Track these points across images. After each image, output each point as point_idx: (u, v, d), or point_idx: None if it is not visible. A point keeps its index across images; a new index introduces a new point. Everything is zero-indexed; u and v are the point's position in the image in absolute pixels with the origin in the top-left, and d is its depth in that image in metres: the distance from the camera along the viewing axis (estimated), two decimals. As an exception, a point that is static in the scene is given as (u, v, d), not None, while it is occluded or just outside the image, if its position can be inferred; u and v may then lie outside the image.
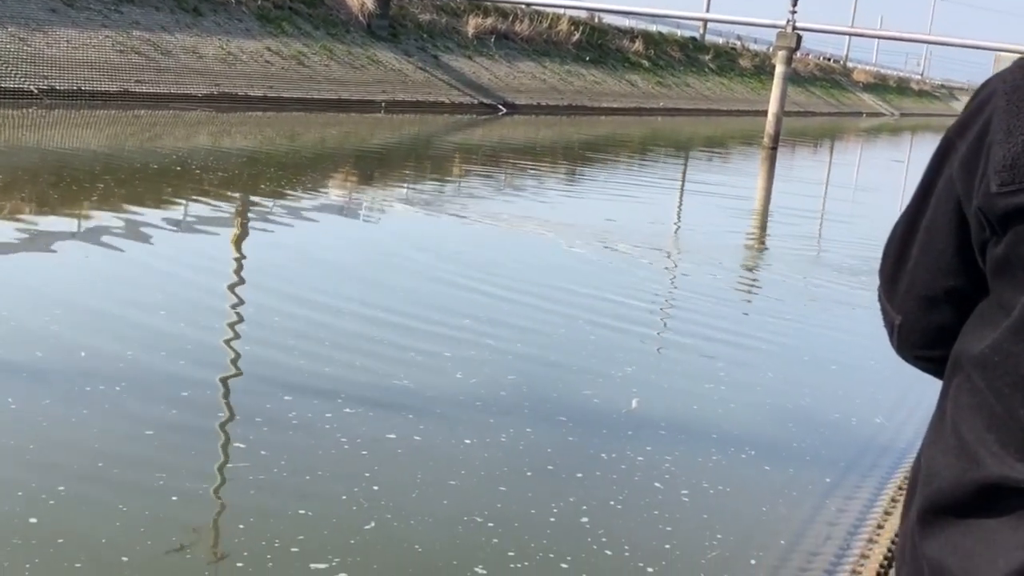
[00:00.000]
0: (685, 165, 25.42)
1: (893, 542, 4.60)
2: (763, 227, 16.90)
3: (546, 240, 12.24)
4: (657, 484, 5.27)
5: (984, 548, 1.23)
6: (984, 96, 1.34)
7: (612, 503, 4.97)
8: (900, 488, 5.44)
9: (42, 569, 3.82)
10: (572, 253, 11.61)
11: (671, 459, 5.61)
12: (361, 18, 30.46)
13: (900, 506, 5.19)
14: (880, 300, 1.59)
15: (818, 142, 38.56)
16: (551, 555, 4.36)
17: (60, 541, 4.03)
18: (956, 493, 1.27)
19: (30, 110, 18.98)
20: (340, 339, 7.21)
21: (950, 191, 1.36)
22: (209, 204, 12.43)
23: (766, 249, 14.67)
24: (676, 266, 11.99)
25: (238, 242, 10.67)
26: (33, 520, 4.17)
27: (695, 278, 11.12)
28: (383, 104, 27.79)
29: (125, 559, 3.95)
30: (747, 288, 11.56)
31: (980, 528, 1.24)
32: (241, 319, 7.59)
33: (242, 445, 5.14)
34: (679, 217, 16.59)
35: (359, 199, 14.71)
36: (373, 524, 4.44)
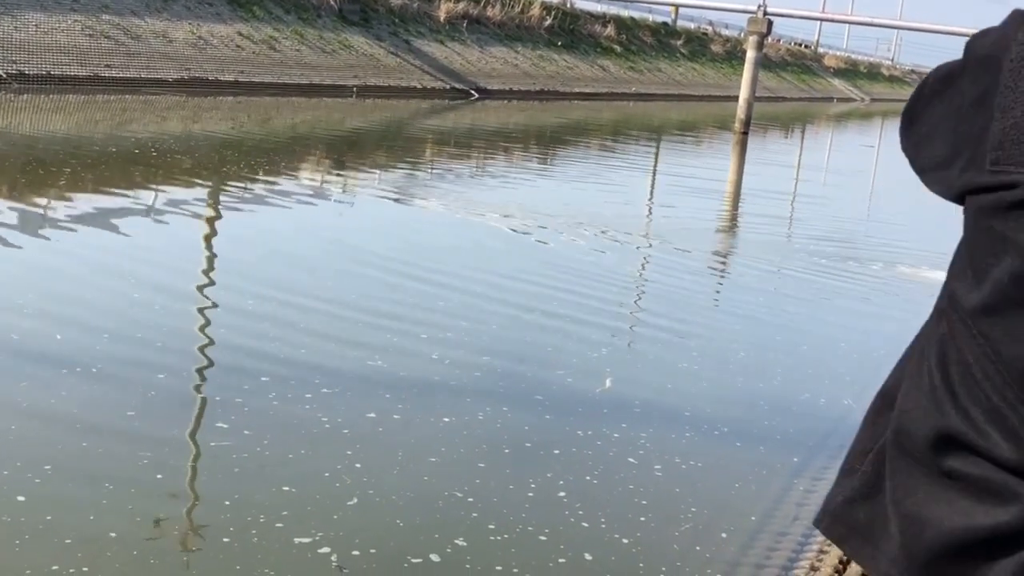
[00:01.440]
0: (657, 150, 25.55)
1: None
2: (735, 211, 17.07)
3: (518, 225, 12.34)
4: (631, 460, 5.40)
5: (934, 503, 1.24)
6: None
7: (588, 478, 5.09)
8: None
9: (32, 545, 3.90)
10: (544, 237, 11.71)
11: (645, 436, 5.74)
12: (332, 3, 30.36)
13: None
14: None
15: (790, 129, 38.83)
16: (529, 528, 4.47)
17: (48, 518, 4.11)
18: (921, 438, 1.28)
19: (-1, 95, 18.86)
20: (314, 322, 7.28)
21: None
22: (181, 189, 12.44)
23: (737, 232, 14.83)
24: (648, 250, 12.12)
25: (210, 227, 10.70)
26: (21, 498, 4.24)
27: (667, 261, 11.26)
28: (355, 89, 27.75)
29: (113, 535, 4.03)
30: (719, 271, 11.71)
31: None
32: (215, 304, 7.65)
33: (224, 425, 5.22)
34: (651, 202, 16.73)
35: (331, 185, 14.74)
36: (356, 500, 4.54)
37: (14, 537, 3.94)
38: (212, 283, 8.24)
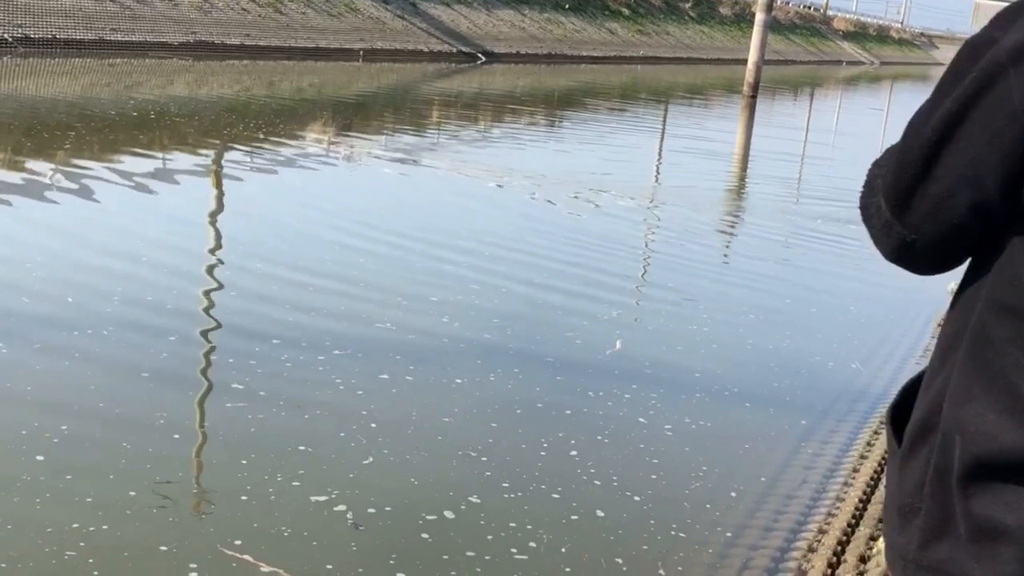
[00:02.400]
0: (665, 113, 25.48)
1: (869, 485, 4.76)
2: (743, 174, 17.05)
3: (527, 189, 12.34)
4: (642, 420, 5.45)
5: None
6: None
7: (599, 438, 5.14)
8: (875, 433, 5.56)
9: (53, 503, 3.96)
10: (552, 201, 11.72)
11: (655, 396, 5.79)
12: (338, -35, 30.18)
13: (885, 454, 5.33)
14: (878, 214, 1.48)
15: (799, 93, 38.63)
16: (542, 486, 4.53)
17: (68, 477, 4.17)
18: (1012, 455, 1.24)
19: (4, 59, 18.84)
20: (323, 285, 7.32)
21: (1012, 119, 1.23)
22: (187, 154, 12.46)
23: (746, 195, 14.82)
24: (656, 213, 12.12)
25: (217, 191, 10.73)
26: (40, 457, 4.30)
27: (675, 224, 11.26)
28: (361, 53, 27.65)
29: (133, 493, 4.09)
30: (727, 234, 11.72)
31: None
32: (223, 266, 7.69)
33: (239, 386, 5.27)
34: (659, 165, 16.70)
35: (338, 149, 14.74)
36: (371, 459, 4.60)
37: (34, 496, 4.00)
38: (220, 247, 8.28)
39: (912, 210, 1.38)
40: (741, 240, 11.40)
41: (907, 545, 1.34)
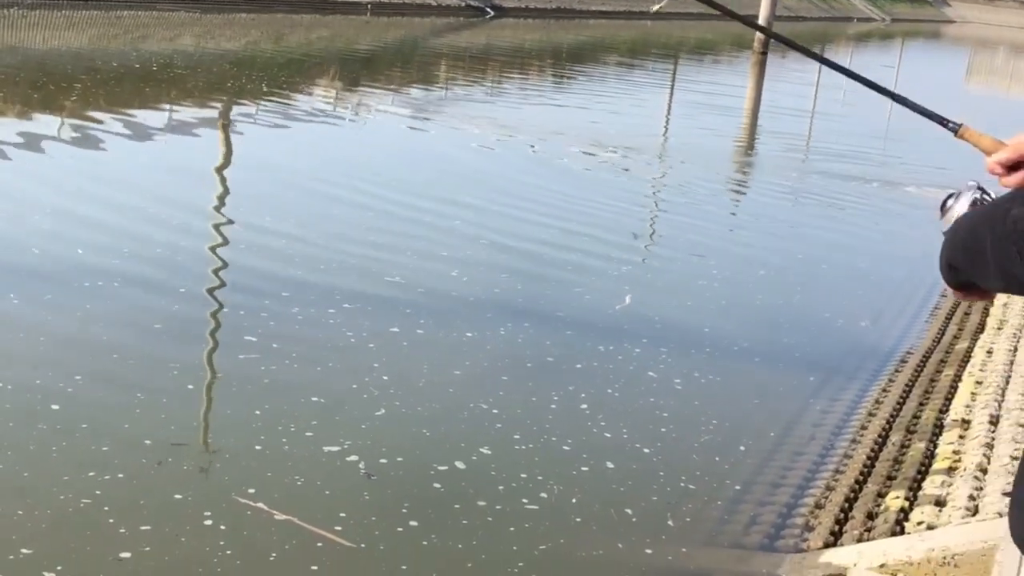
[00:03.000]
0: (675, 69, 25.32)
1: (876, 443, 4.77)
2: (753, 130, 16.98)
3: (535, 144, 12.30)
4: (652, 374, 5.48)
5: None
6: None
7: (609, 391, 5.18)
8: (884, 391, 5.55)
9: (70, 452, 4.00)
10: (562, 157, 11.69)
11: (665, 351, 5.82)
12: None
13: (895, 411, 5.34)
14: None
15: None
16: (553, 438, 4.57)
17: (84, 426, 4.21)
18: None
19: (10, 10, 18.75)
20: (331, 240, 7.34)
21: None
22: (194, 107, 12.43)
23: (756, 151, 14.77)
24: (666, 169, 12.09)
25: (225, 145, 10.72)
26: (55, 407, 4.34)
27: (685, 180, 11.24)
28: (369, 6, 27.45)
29: (148, 442, 4.13)
30: (737, 190, 11.70)
31: None
32: (231, 221, 7.70)
33: (252, 338, 5.31)
34: (668, 121, 16.63)
35: (346, 104, 14.69)
36: (383, 411, 4.64)
37: (51, 444, 4.05)
38: (228, 201, 8.29)
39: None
40: (750, 196, 11.37)
41: None
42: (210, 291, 6.09)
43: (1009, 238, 1.50)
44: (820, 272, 8.26)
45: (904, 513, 3.98)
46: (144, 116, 11.37)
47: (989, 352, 5.99)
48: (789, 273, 8.05)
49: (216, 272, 6.45)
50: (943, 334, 6.66)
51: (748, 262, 8.10)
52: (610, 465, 4.39)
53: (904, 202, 11.40)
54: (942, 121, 1.92)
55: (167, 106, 12.37)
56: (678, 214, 9.68)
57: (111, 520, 3.60)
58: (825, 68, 2.07)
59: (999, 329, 6.53)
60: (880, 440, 4.83)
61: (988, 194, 1.85)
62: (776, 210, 10.45)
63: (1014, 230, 1.50)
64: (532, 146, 12.12)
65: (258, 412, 4.48)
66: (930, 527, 3.79)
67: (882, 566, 3.52)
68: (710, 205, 10.28)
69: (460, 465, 4.23)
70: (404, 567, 3.49)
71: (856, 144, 15.14)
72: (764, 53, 28.17)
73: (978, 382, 5.42)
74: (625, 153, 12.32)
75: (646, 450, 4.57)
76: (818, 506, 4.17)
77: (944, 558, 3.47)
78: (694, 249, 8.31)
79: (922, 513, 3.92)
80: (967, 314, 7.10)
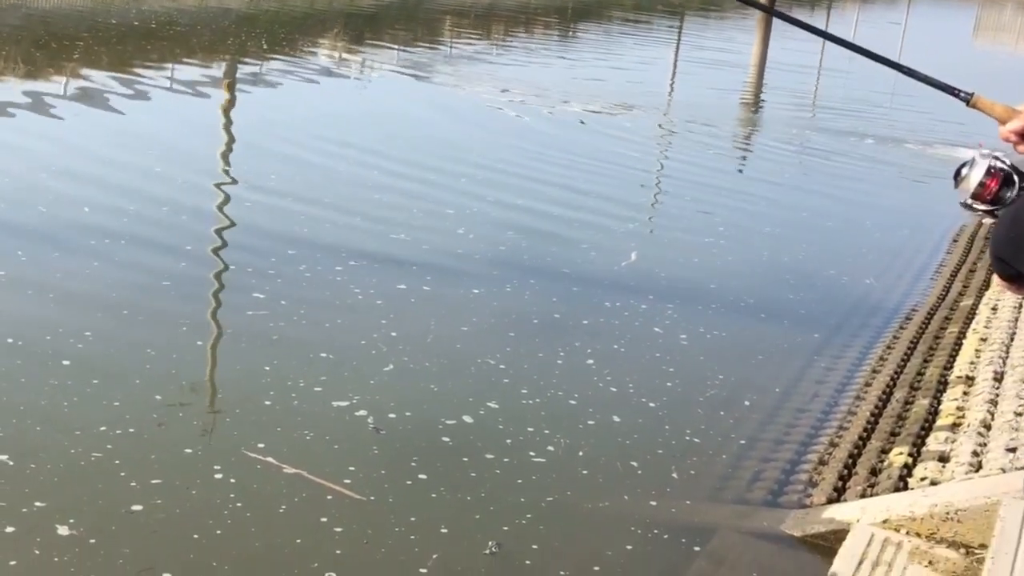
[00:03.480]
0: (681, 26, 25.15)
1: (880, 399, 4.79)
2: (759, 87, 16.89)
3: (540, 102, 12.26)
4: (657, 330, 5.51)
5: None
6: None
7: (615, 347, 5.21)
8: (888, 347, 5.56)
9: (82, 406, 4.04)
10: (567, 114, 11.66)
11: (671, 307, 5.84)
12: None
13: (899, 368, 5.35)
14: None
15: (815, 6, 38.02)
16: (560, 393, 4.60)
17: (95, 382, 4.25)
18: None
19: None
20: (336, 198, 7.35)
21: None
22: (197, 66, 12.39)
23: (762, 108, 14.71)
24: (671, 126, 12.06)
25: (228, 103, 10.70)
26: (66, 362, 4.38)
27: (691, 137, 11.21)
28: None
29: (159, 397, 4.17)
30: (742, 147, 11.67)
31: None
32: (236, 178, 7.71)
33: (260, 296, 5.34)
34: (674, 78, 16.55)
35: (350, 61, 14.63)
36: (391, 366, 4.67)
37: (62, 400, 4.08)
38: (232, 160, 8.30)
39: None
40: (756, 154, 11.35)
41: None
42: (216, 249, 6.12)
43: None
44: (826, 229, 8.26)
45: (907, 469, 4.00)
46: (147, 75, 11.34)
47: (994, 309, 6.00)
48: (795, 230, 8.05)
49: (221, 231, 6.47)
50: (948, 291, 6.67)
51: (754, 219, 8.10)
52: (616, 419, 4.43)
53: (911, 159, 11.37)
54: (953, 91, 1.91)
55: (170, 65, 12.33)
56: (684, 172, 9.66)
57: (122, 473, 3.64)
58: (832, 23, 2.05)
59: (1004, 286, 6.53)
60: (884, 397, 4.84)
61: (1003, 160, 1.85)
62: (782, 167, 10.42)
63: None
64: (537, 104, 12.08)
65: (267, 368, 4.52)
66: (933, 483, 3.80)
67: (885, 521, 3.54)
68: (716, 163, 10.26)
69: (468, 419, 4.26)
70: (413, 519, 3.53)
71: (863, 100, 15.07)
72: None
73: (983, 339, 5.43)
74: (631, 110, 12.28)
75: (652, 404, 4.61)
76: (822, 462, 4.19)
77: (947, 513, 3.49)
78: (700, 206, 8.32)
79: (925, 469, 3.94)
80: (972, 271, 7.11)
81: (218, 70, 12.51)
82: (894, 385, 5.00)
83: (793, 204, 8.93)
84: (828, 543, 3.55)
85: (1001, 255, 1.64)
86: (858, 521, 3.58)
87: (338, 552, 3.32)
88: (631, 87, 14.19)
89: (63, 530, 3.28)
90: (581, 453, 4.11)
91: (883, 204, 9.30)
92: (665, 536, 3.63)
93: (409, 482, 3.77)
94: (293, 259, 5.94)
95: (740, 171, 10.37)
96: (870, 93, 15.77)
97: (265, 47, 14.27)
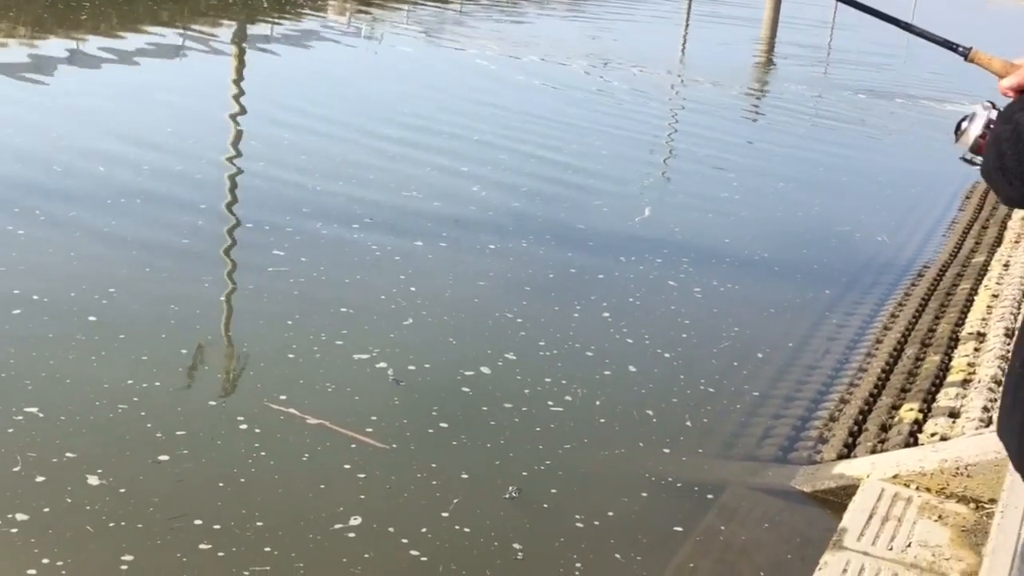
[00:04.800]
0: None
1: (891, 356, 4.82)
2: (772, 42, 16.81)
3: (553, 61, 12.24)
4: (672, 283, 5.57)
5: None
6: None
7: (631, 300, 5.27)
8: (900, 305, 5.58)
9: (109, 361, 4.12)
10: (580, 74, 11.65)
11: (686, 261, 5.90)
12: None
13: (910, 325, 5.38)
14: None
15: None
16: (577, 345, 4.67)
17: (121, 336, 4.33)
18: None
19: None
20: (349, 155, 7.40)
21: None
22: (207, 26, 12.39)
23: (775, 65, 14.65)
24: (684, 82, 12.04)
25: (239, 62, 10.72)
26: (92, 318, 4.46)
27: (703, 95, 11.20)
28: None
29: (184, 351, 4.26)
30: (755, 104, 11.65)
31: None
32: (249, 139, 7.76)
33: (280, 253, 5.40)
34: (687, 34, 16.47)
35: (359, 23, 14.61)
36: (410, 320, 4.74)
37: (89, 354, 4.16)
38: (243, 120, 8.34)
39: None
40: (769, 110, 11.33)
41: None
42: (231, 207, 6.18)
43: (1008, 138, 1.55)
44: (839, 186, 8.28)
45: (918, 425, 4.02)
46: (156, 35, 11.36)
47: (1006, 265, 6.03)
48: (808, 186, 8.08)
49: (235, 190, 6.53)
50: (960, 248, 6.69)
51: (768, 175, 8.13)
52: (632, 369, 4.50)
53: (924, 115, 11.34)
54: (951, 46, 1.93)
55: (180, 25, 12.34)
56: (697, 129, 9.67)
57: (149, 425, 3.71)
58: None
59: (1016, 243, 6.56)
60: (895, 353, 4.86)
61: None
62: (795, 124, 10.42)
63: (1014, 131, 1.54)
64: (557, 64, 12.06)
65: (289, 323, 4.59)
66: (943, 438, 3.82)
67: (895, 476, 3.58)
68: (729, 120, 10.26)
69: (485, 370, 4.34)
70: (434, 465, 3.62)
71: (876, 55, 15.00)
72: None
73: (994, 295, 5.46)
74: (643, 68, 12.25)
75: (667, 355, 4.68)
76: (832, 418, 4.21)
77: (957, 468, 3.52)
78: (714, 162, 8.35)
79: (936, 425, 3.96)
80: (984, 228, 7.14)
81: (228, 30, 12.51)
82: (905, 341, 5.03)
83: (806, 160, 8.94)
84: (838, 499, 3.58)
85: (988, 180, 1.68)
86: (868, 477, 3.61)
87: (362, 497, 3.40)
88: (643, 44, 14.14)
89: (93, 480, 3.36)
90: (598, 403, 4.18)
91: (896, 160, 9.31)
92: (678, 485, 3.70)
93: (430, 431, 3.85)
94: (309, 217, 6.01)
95: (753, 127, 10.37)
96: (884, 46, 15.68)
97: (274, 7, 14.25)
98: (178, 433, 3.68)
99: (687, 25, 17.74)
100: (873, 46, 15.90)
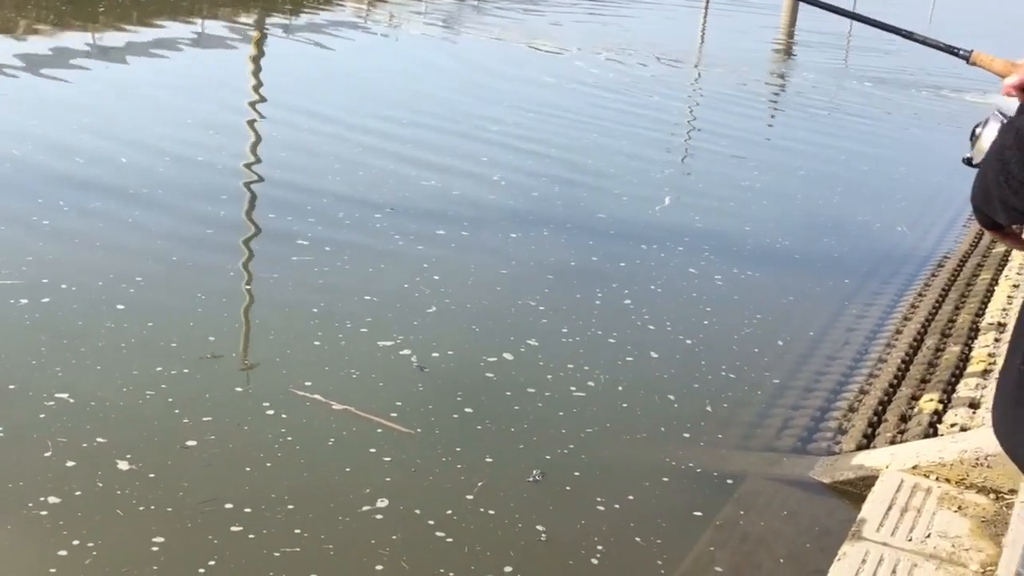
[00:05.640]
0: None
1: (911, 347, 4.82)
2: (791, 31, 16.76)
3: (571, 51, 12.25)
4: (693, 270, 5.59)
5: None
6: None
7: (652, 287, 5.31)
8: (920, 295, 5.57)
9: (139, 349, 4.18)
10: (598, 63, 11.65)
11: (707, 248, 5.93)
12: None
13: (930, 316, 5.38)
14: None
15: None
16: (599, 332, 4.71)
17: (149, 324, 4.38)
18: None
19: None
20: (368, 146, 7.44)
21: None
22: (226, 19, 12.44)
23: (795, 54, 14.62)
24: (703, 72, 12.03)
25: (257, 52, 10.77)
26: (120, 306, 4.52)
27: (722, 85, 11.19)
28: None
29: (212, 338, 4.31)
30: (776, 92, 11.63)
31: None
32: (269, 131, 7.80)
33: (304, 242, 5.46)
34: (704, 27, 16.44)
35: (378, 14, 14.65)
36: (434, 308, 4.79)
37: (119, 342, 4.22)
38: (263, 112, 8.39)
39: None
40: (789, 100, 11.32)
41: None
42: (254, 199, 6.23)
43: (994, 165, 1.53)
44: (859, 175, 8.27)
45: (938, 415, 4.01)
46: (175, 28, 11.43)
47: (1027, 254, 6.01)
48: (829, 175, 8.07)
49: (254, 183, 6.56)
50: (980, 238, 6.67)
51: (788, 164, 8.13)
52: (654, 355, 4.53)
53: (945, 106, 11.30)
54: (953, 51, 1.92)
55: (199, 17, 12.40)
56: (716, 117, 9.68)
57: (176, 411, 3.77)
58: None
59: (1038, 231, 6.52)
60: (915, 344, 4.86)
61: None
62: (815, 113, 10.40)
63: (999, 158, 1.53)
64: (575, 55, 12.07)
65: (315, 310, 4.64)
66: (963, 429, 3.82)
67: (914, 467, 3.58)
68: (748, 108, 10.25)
69: (508, 356, 4.38)
70: (459, 449, 3.66)
71: (898, 43, 14.93)
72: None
73: (1015, 285, 5.45)
74: (662, 57, 12.25)
75: (688, 341, 4.71)
76: (851, 409, 4.21)
77: (977, 459, 3.52)
78: (733, 151, 8.36)
79: (956, 415, 3.95)
80: (1007, 216, 7.10)
81: (247, 23, 12.58)
82: (925, 332, 5.01)
83: (826, 150, 8.93)
84: (857, 489, 3.59)
85: (976, 203, 1.68)
86: (887, 467, 3.62)
87: (388, 480, 3.45)
88: (661, 32, 14.13)
89: (123, 464, 3.42)
90: (620, 388, 4.22)
91: (917, 150, 9.29)
92: (698, 471, 3.73)
93: (455, 415, 3.89)
94: (331, 207, 6.05)
95: (772, 116, 10.36)
96: (902, 47, 15.61)
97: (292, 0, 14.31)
98: (205, 419, 3.73)
99: (706, 12, 17.70)
100: (895, 38, 15.83)
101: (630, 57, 12.16)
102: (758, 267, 5.77)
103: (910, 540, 3.17)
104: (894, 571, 3.01)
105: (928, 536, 3.20)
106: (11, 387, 3.78)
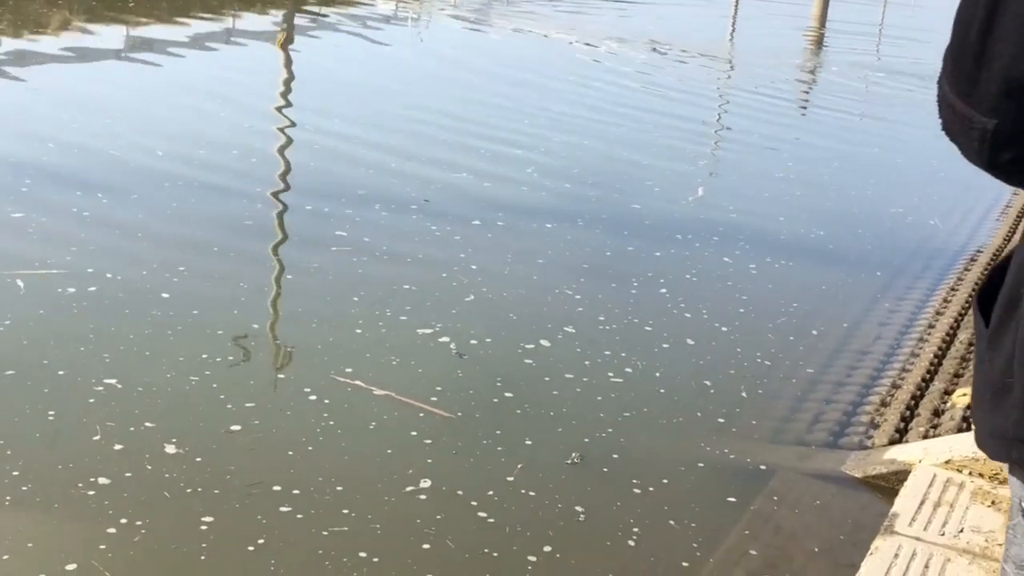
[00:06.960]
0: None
1: (944, 340, 4.81)
2: (822, 23, 16.69)
3: (603, 46, 12.28)
4: (727, 260, 5.63)
5: None
6: None
7: (688, 276, 5.35)
8: (952, 289, 5.57)
9: (184, 336, 4.27)
10: (630, 59, 11.67)
11: (741, 239, 5.96)
12: None
13: (962, 312, 5.36)
14: (950, 106, 1.41)
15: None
16: (635, 320, 4.76)
17: (195, 312, 4.48)
18: None
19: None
20: (401, 141, 7.49)
21: None
22: (256, 14, 12.52)
23: (826, 46, 14.57)
24: (734, 65, 12.02)
25: (288, 50, 10.84)
26: (165, 295, 4.61)
27: (754, 79, 11.18)
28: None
29: (256, 326, 4.40)
30: (807, 87, 11.61)
31: None
32: (301, 125, 7.85)
33: (343, 233, 5.53)
34: (735, 22, 16.41)
35: (407, 9, 14.72)
36: (472, 297, 4.86)
37: (166, 328, 4.31)
38: (295, 104, 8.46)
39: (982, 91, 1.30)
40: (821, 92, 11.30)
41: (1005, 423, 1.34)
42: (289, 192, 6.29)
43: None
44: (893, 168, 8.27)
45: (970, 410, 3.99)
46: (206, 24, 11.53)
47: (1060, 248, 5.95)
48: (862, 167, 8.07)
49: (288, 175, 6.62)
50: (1013, 232, 6.65)
51: (821, 156, 8.14)
52: (690, 342, 4.58)
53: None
54: None
55: (228, 13, 12.51)
56: (749, 110, 9.68)
57: (221, 397, 3.85)
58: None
59: (1071, 225, 6.49)
60: (947, 338, 4.84)
61: None
62: (847, 106, 10.39)
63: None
64: (607, 49, 12.10)
65: (355, 299, 4.72)
66: (996, 423, 3.81)
67: (947, 462, 3.58)
68: (780, 100, 10.25)
69: (545, 343, 4.44)
70: (499, 432, 3.73)
71: (932, 35, 14.85)
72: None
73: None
74: (693, 50, 12.26)
75: (724, 329, 4.75)
76: (884, 404, 4.21)
77: (1011, 454, 3.51)
78: (766, 143, 8.37)
79: (989, 410, 3.94)
80: (1038, 212, 7.08)
81: (277, 17, 12.67)
82: (958, 327, 5.00)
83: (859, 142, 8.93)
84: (889, 484, 3.60)
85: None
86: (920, 462, 3.62)
87: (429, 462, 3.52)
88: (692, 25, 14.13)
89: (170, 448, 3.50)
90: (657, 374, 4.27)
91: (948, 145, 9.21)
92: (731, 458, 3.78)
93: (494, 400, 3.96)
94: (366, 199, 6.12)
95: (804, 108, 10.35)
96: (941, 24, 15.51)
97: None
98: (248, 405, 3.82)
99: (736, 5, 17.66)
100: (930, 21, 15.74)
101: (662, 48, 12.17)
102: (792, 257, 5.80)
103: (943, 535, 3.18)
104: (927, 566, 3.03)
105: (961, 531, 3.21)
106: (60, 373, 3.88)
